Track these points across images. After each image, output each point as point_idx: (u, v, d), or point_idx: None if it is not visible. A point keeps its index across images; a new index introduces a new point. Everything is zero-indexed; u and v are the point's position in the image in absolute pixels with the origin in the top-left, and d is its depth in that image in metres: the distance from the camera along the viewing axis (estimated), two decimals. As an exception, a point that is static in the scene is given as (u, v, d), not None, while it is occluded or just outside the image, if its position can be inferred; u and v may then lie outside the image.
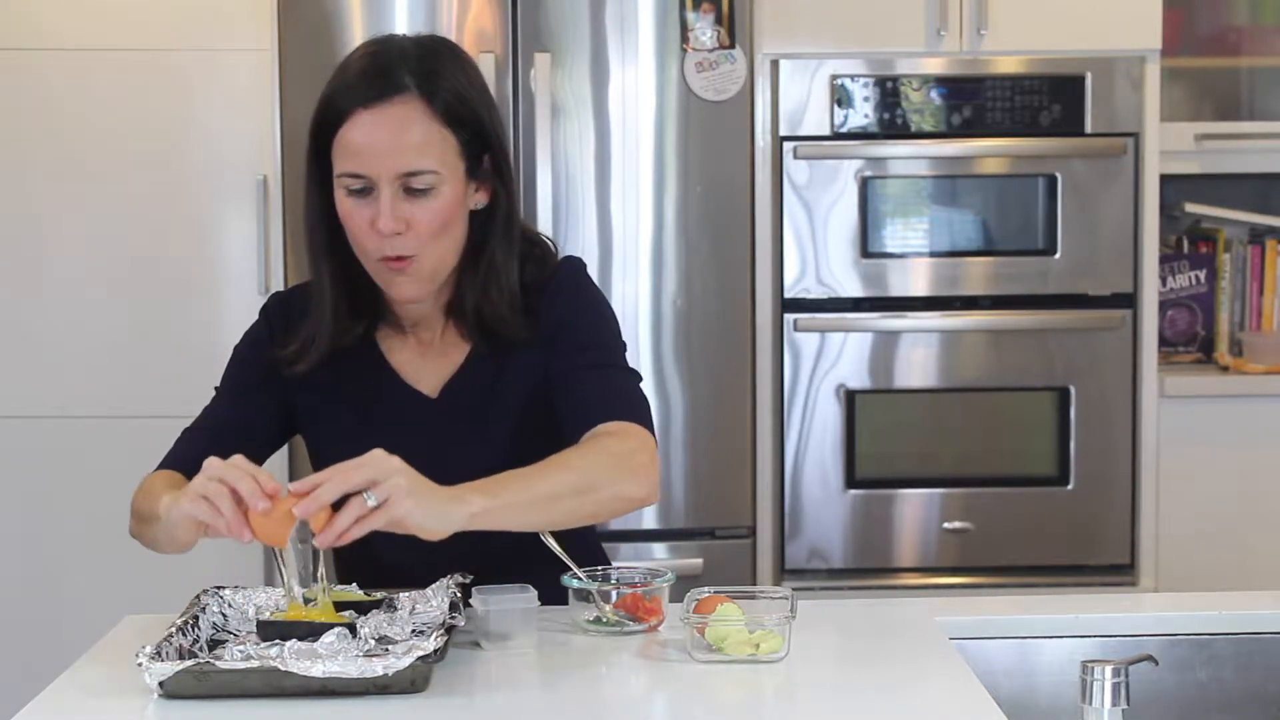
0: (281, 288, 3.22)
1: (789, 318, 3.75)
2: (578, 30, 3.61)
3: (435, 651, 1.74)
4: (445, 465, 1.86)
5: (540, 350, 2.09)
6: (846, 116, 3.74)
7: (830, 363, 3.76)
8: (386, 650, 1.79)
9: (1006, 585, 3.73)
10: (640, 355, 3.62)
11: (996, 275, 3.78)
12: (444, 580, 1.98)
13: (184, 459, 2.05)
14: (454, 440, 2.08)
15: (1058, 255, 3.77)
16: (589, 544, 2.21)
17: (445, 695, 1.76)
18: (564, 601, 2.02)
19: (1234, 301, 4.14)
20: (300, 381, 2.12)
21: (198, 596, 1.95)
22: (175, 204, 3.73)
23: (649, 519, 3.69)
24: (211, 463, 1.80)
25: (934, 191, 3.80)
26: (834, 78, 3.73)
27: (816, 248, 3.75)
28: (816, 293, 3.76)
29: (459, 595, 1.94)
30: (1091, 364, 3.78)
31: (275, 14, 3.58)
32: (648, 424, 2.03)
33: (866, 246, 3.76)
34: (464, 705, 1.75)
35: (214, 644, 1.88)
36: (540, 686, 1.84)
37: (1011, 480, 3.81)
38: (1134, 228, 3.78)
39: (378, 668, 1.70)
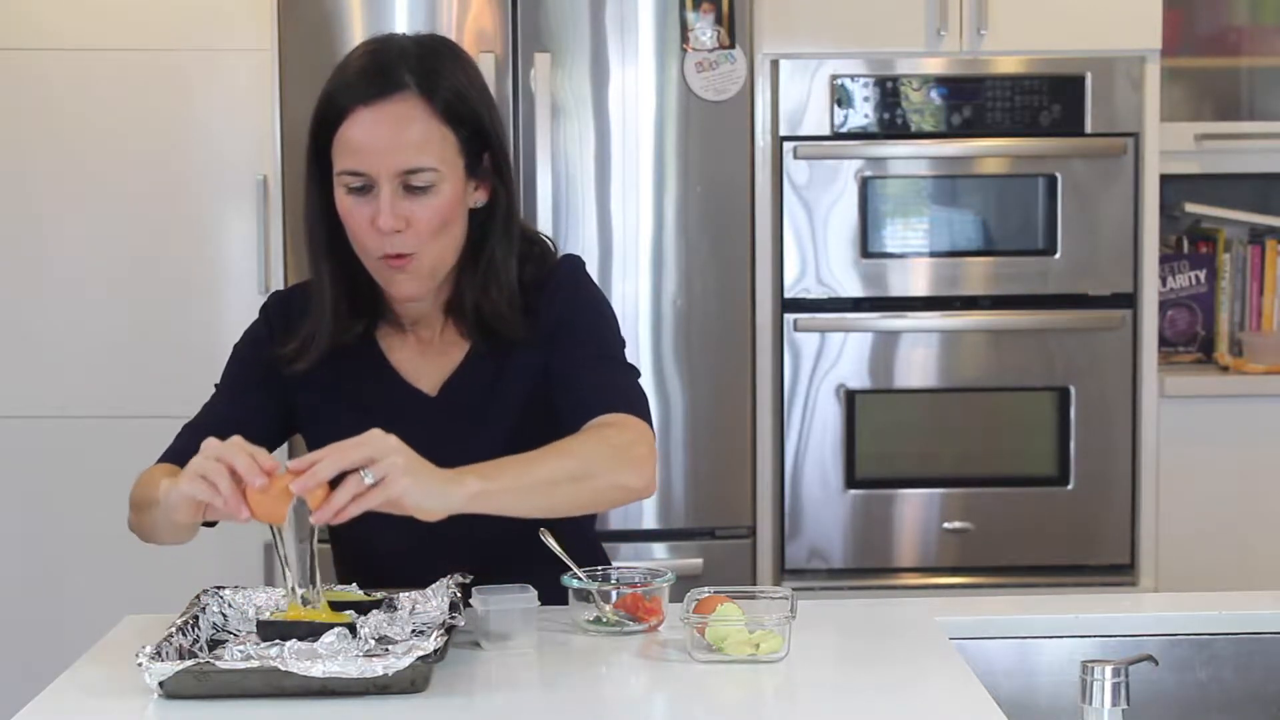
0: (281, 287, 3.22)
1: (789, 318, 3.75)
2: (578, 30, 3.61)
3: (435, 651, 1.74)
4: (444, 464, 1.86)
5: (540, 348, 2.09)
6: (846, 116, 3.75)
7: (830, 363, 3.76)
8: (386, 650, 1.79)
9: (1006, 585, 3.73)
10: (640, 355, 3.62)
11: (996, 275, 3.78)
12: (444, 580, 1.98)
13: (183, 454, 2.05)
14: (453, 438, 2.08)
15: (1058, 255, 3.77)
16: (589, 544, 2.21)
17: (445, 695, 1.76)
18: (564, 601, 2.02)
19: (1234, 301, 4.14)
20: (300, 380, 2.12)
21: (198, 596, 1.95)
22: (175, 204, 3.73)
23: (649, 519, 3.69)
24: (210, 443, 1.81)
25: (934, 191, 3.80)
26: (834, 78, 3.73)
27: (816, 248, 3.75)
28: (816, 293, 3.76)
29: (459, 595, 1.94)
30: (1091, 364, 3.78)
31: (275, 14, 3.58)
32: (646, 418, 2.03)
33: (866, 246, 3.76)
34: (464, 705, 1.75)
35: (214, 644, 1.88)
36: (540, 686, 1.84)
37: (1011, 480, 3.81)
38: (1134, 228, 3.78)
39: (378, 668, 1.70)
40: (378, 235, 2.00)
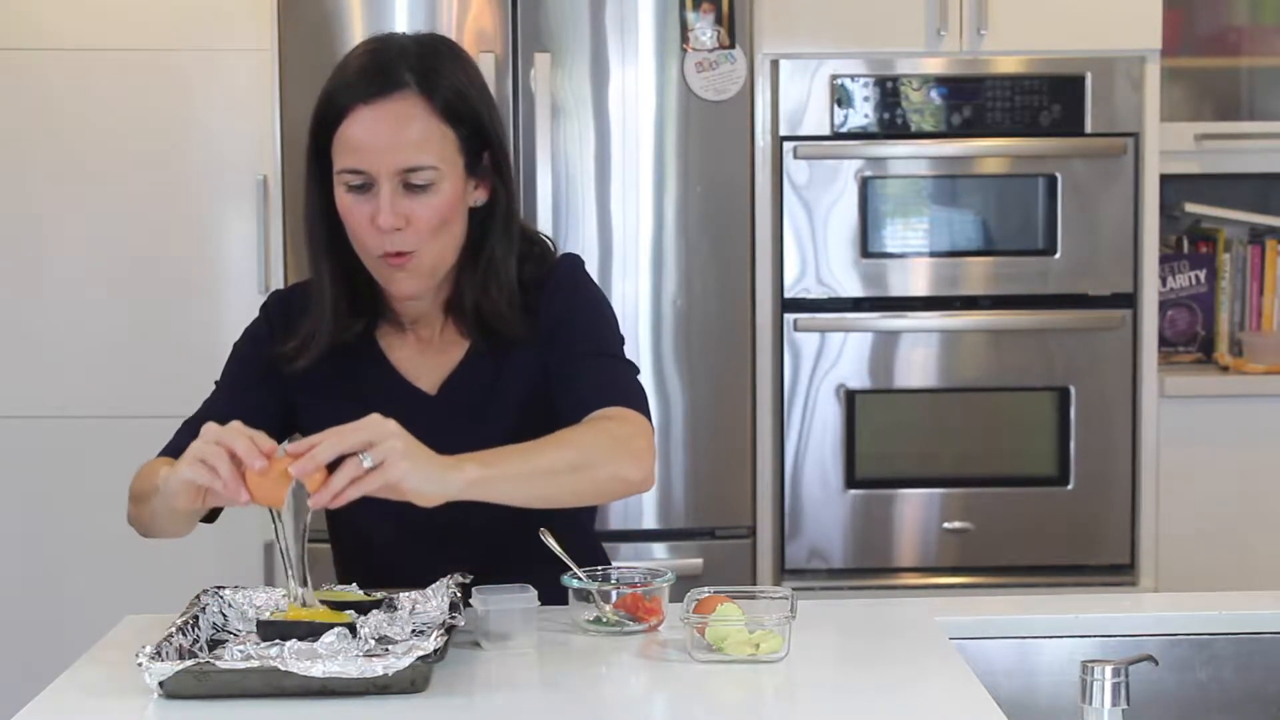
0: (281, 287, 3.22)
1: (789, 318, 3.75)
2: (578, 30, 3.61)
3: (435, 651, 1.74)
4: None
5: (539, 347, 2.09)
6: (846, 116, 3.75)
7: (830, 363, 3.76)
8: (386, 650, 1.79)
9: (1006, 585, 3.73)
10: (640, 355, 3.62)
11: (996, 275, 3.78)
12: (444, 580, 1.98)
13: (182, 449, 2.04)
14: (453, 437, 2.07)
15: (1058, 255, 3.77)
16: (589, 544, 2.21)
17: (445, 695, 1.76)
18: (564, 601, 2.02)
19: (1234, 301, 4.15)
20: (300, 378, 2.12)
21: (198, 596, 1.95)
22: (175, 204, 3.73)
23: (649, 519, 3.69)
24: (209, 427, 1.82)
25: (934, 191, 3.80)
26: (834, 78, 3.73)
27: (816, 248, 3.75)
28: (816, 293, 3.76)
29: (459, 595, 1.94)
30: (1091, 364, 3.78)
31: (275, 14, 3.58)
32: (646, 413, 2.03)
33: (866, 246, 3.76)
34: (464, 705, 1.75)
35: (214, 644, 1.88)
36: (540, 686, 1.84)
37: (1011, 480, 3.81)
38: (1134, 228, 3.78)
39: (378, 668, 1.70)
40: (377, 233, 2.00)
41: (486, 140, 2.06)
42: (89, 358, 3.74)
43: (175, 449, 2.08)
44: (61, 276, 3.74)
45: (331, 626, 1.80)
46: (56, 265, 3.74)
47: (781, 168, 3.73)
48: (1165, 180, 3.85)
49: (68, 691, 1.80)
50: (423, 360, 2.14)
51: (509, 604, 1.92)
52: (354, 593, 1.98)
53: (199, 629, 1.87)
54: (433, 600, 1.96)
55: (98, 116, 3.72)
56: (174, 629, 1.82)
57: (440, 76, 2.01)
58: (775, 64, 3.72)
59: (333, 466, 1.77)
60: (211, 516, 2.07)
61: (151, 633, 1.88)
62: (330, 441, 1.76)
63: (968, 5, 3.71)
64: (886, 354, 3.77)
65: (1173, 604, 2.17)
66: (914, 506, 3.79)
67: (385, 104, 1.99)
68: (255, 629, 1.89)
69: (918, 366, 3.78)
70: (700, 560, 3.65)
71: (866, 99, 3.75)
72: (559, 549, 2.04)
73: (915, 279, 3.78)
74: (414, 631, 1.91)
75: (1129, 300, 3.78)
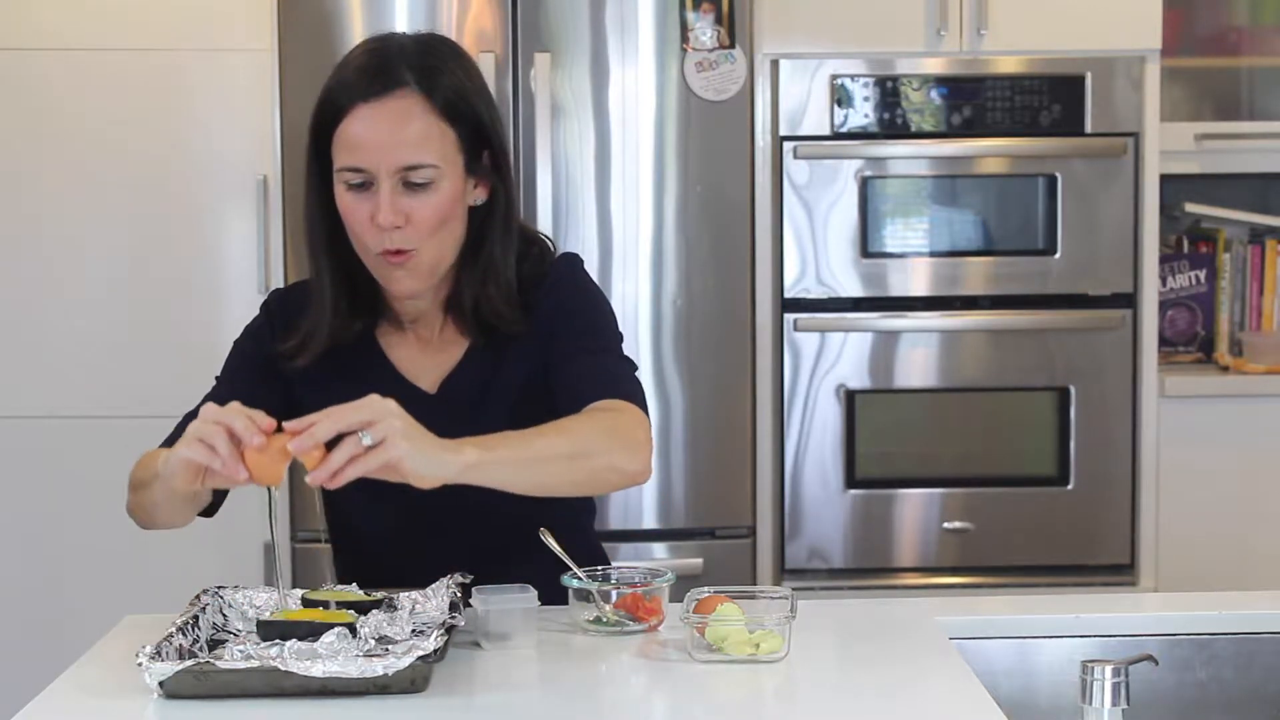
0: (282, 286, 3.22)
1: (789, 318, 3.75)
2: (578, 30, 3.61)
3: (435, 651, 1.74)
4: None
5: (538, 344, 2.10)
6: (846, 116, 3.75)
7: (830, 363, 3.76)
8: (386, 650, 1.79)
9: (1006, 585, 3.73)
10: (640, 355, 3.62)
11: (996, 275, 3.78)
12: (444, 580, 1.98)
13: None
14: (452, 436, 2.07)
15: (1058, 255, 3.77)
16: (589, 544, 2.21)
17: (445, 695, 1.76)
18: (564, 601, 2.02)
19: (1234, 301, 4.14)
20: (300, 376, 2.12)
21: (198, 596, 1.95)
22: (175, 204, 3.73)
23: (649, 519, 3.69)
24: (208, 408, 1.82)
25: (934, 191, 3.80)
26: (834, 78, 3.73)
27: (816, 248, 3.75)
28: (816, 293, 3.76)
29: (459, 595, 1.94)
30: (1091, 364, 3.78)
31: (275, 14, 3.58)
32: (643, 407, 2.04)
33: (866, 246, 3.76)
34: (464, 705, 1.75)
35: (214, 644, 1.88)
36: (540, 686, 1.84)
37: (1011, 480, 3.81)
38: (1134, 228, 3.78)
39: (378, 668, 1.70)
40: (377, 232, 2.00)
41: (486, 139, 2.07)
42: (89, 358, 3.74)
43: (175, 441, 2.08)
44: (61, 276, 3.74)
45: (331, 626, 1.80)
46: (56, 265, 3.74)
47: (781, 168, 3.73)
48: (1165, 180, 3.85)
49: (68, 691, 1.80)
50: (422, 359, 2.14)
51: (509, 604, 1.92)
52: (354, 593, 1.98)
53: (199, 629, 1.87)
54: (433, 600, 1.96)
55: (98, 116, 3.72)
56: (174, 629, 1.82)
57: (440, 75, 2.02)
58: (775, 64, 3.72)
59: (332, 447, 1.76)
60: (210, 511, 2.08)
61: (151, 633, 1.88)
62: (329, 419, 1.76)
63: (968, 5, 3.71)
64: (886, 354, 3.77)
65: (1173, 604, 2.18)
66: (914, 506, 3.79)
67: (385, 102, 1.99)
68: (255, 629, 1.89)
69: (918, 366, 3.78)
70: (700, 560, 3.65)
71: (866, 99, 3.75)
72: (559, 549, 2.04)
73: (915, 279, 3.78)
74: (414, 631, 1.91)
75: (1129, 300, 3.79)
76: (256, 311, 2.22)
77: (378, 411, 1.77)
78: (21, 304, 3.74)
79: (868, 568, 3.79)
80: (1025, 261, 3.78)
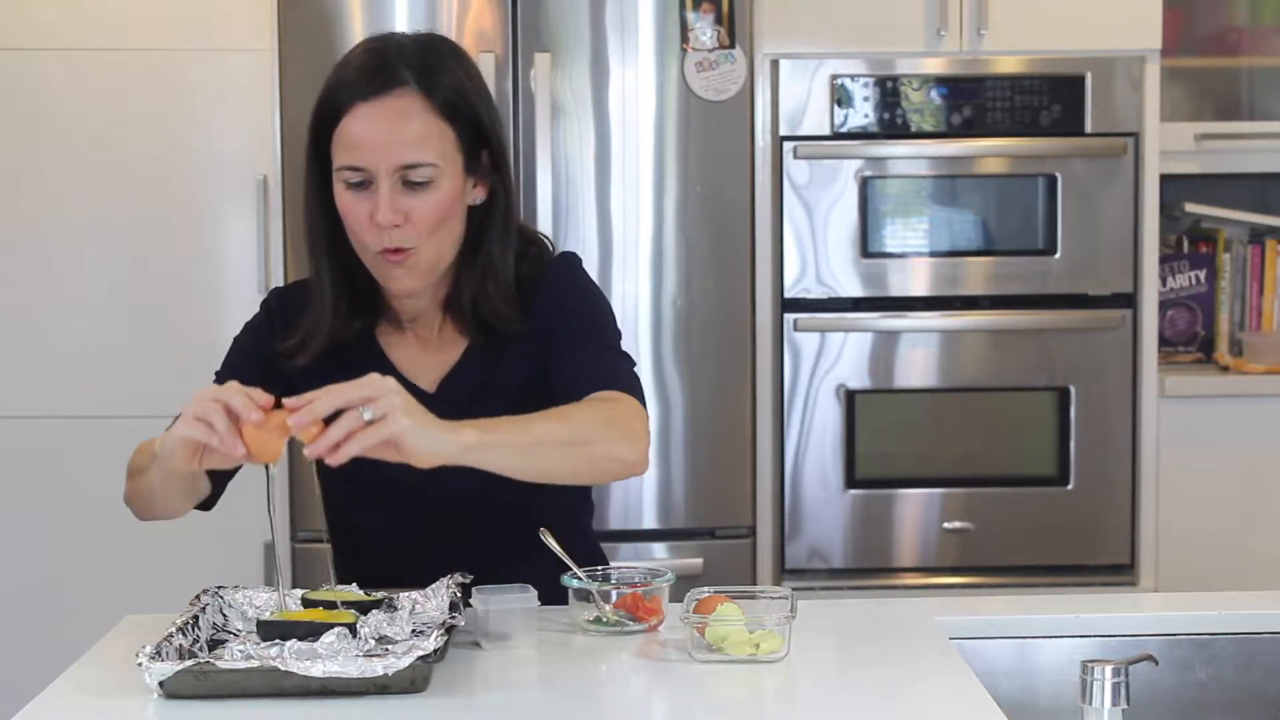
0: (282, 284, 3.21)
1: (789, 318, 3.75)
2: (578, 30, 3.61)
3: (435, 651, 1.74)
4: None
5: (537, 343, 2.10)
6: (846, 116, 3.75)
7: (830, 363, 3.76)
8: (386, 650, 1.79)
9: (1006, 585, 3.73)
10: (640, 355, 3.62)
11: (996, 275, 3.78)
12: (444, 580, 1.98)
13: None
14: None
15: (1058, 255, 3.77)
16: (588, 544, 2.21)
17: (445, 695, 1.75)
18: (564, 601, 2.02)
19: (1234, 301, 4.14)
20: (299, 375, 2.12)
21: (198, 596, 1.95)
22: (175, 204, 3.73)
23: (649, 519, 3.69)
24: (206, 388, 1.82)
25: (934, 191, 3.80)
26: (834, 78, 3.73)
27: (816, 248, 3.75)
28: (816, 293, 3.76)
29: (459, 595, 1.94)
30: (1091, 364, 3.78)
31: (275, 14, 3.58)
32: (641, 400, 2.04)
33: (866, 246, 3.76)
34: (464, 705, 1.75)
35: (214, 644, 1.88)
36: (540, 686, 1.84)
37: (1011, 480, 3.81)
38: (1134, 228, 3.78)
39: (378, 668, 1.70)
40: (376, 230, 2.01)
41: (485, 139, 2.07)
42: (88, 358, 3.74)
43: None
44: (61, 276, 3.74)
45: (331, 626, 1.80)
46: (56, 265, 3.74)
47: (781, 168, 3.73)
48: (1165, 180, 3.85)
49: (68, 691, 1.80)
50: (422, 358, 2.14)
51: (509, 604, 1.92)
52: (354, 593, 1.98)
53: (199, 629, 1.87)
54: (433, 600, 1.96)
55: (98, 116, 3.71)
56: (174, 629, 1.82)
57: (439, 75, 2.02)
58: (775, 64, 3.72)
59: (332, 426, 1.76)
60: (207, 504, 2.08)
61: (151, 633, 1.88)
62: (329, 395, 1.76)
63: (968, 5, 3.71)
64: (886, 354, 3.77)
65: (1173, 604, 2.18)
66: (914, 506, 3.79)
67: (384, 101, 1.99)
68: (255, 629, 1.89)
69: (918, 366, 3.78)
70: (700, 560, 3.65)
71: (866, 99, 3.75)
72: (559, 549, 2.04)
73: (915, 279, 3.78)
74: (414, 631, 1.90)
75: (1129, 300, 3.78)
76: (256, 310, 2.22)
77: (378, 388, 1.77)
78: (21, 304, 3.74)
79: (868, 568, 3.79)
80: (1025, 261, 3.78)
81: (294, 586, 2.05)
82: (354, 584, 2.01)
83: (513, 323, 2.10)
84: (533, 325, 2.10)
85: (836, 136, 3.75)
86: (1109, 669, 1.69)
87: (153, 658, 1.72)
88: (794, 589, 2.00)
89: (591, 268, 2.26)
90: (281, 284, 3.61)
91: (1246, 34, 4.24)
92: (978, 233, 3.81)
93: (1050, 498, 3.80)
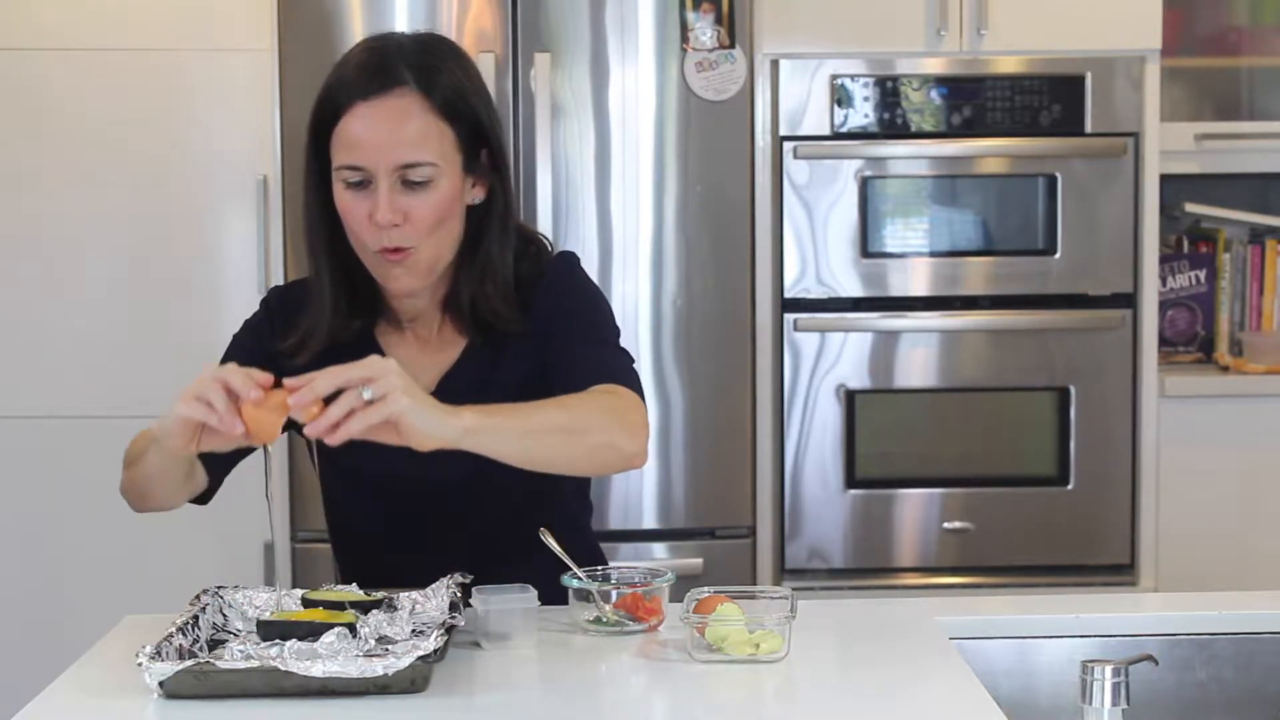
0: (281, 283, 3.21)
1: (789, 318, 3.75)
2: (578, 30, 3.61)
3: (435, 651, 1.74)
4: (443, 459, 1.86)
5: (536, 343, 2.10)
6: (846, 116, 3.74)
7: (830, 363, 3.76)
8: (386, 650, 1.79)
9: (1006, 585, 3.73)
10: (640, 355, 3.62)
11: (996, 275, 3.78)
12: (444, 580, 1.98)
13: None
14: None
15: (1058, 255, 3.77)
16: (587, 544, 2.21)
17: (445, 695, 1.75)
18: (564, 601, 2.02)
19: (1234, 301, 4.15)
20: (298, 374, 2.12)
21: (198, 596, 1.95)
22: (175, 204, 3.73)
23: (649, 519, 3.69)
24: (205, 368, 1.81)
25: (934, 191, 3.80)
26: (834, 78, 3.73)
27: (816, 248, 3.75)
28: (816, 293, 3.76)
29: (459, 595, 1.94)
30: (1091, 364, 3.78)
31: (275, 14, 3.58)
32: (641, 394, 2.04)
33: (866, 246, 3.76)
34: (464, 705, 1.75)
35: (214, 644, 1.88)
36: (540, 686, 1.84)
37: (1011, 480, 3.81)
38: (1134, 228, 3.78)
39: (378, 668, 1.70)
40: (375, 230, 2.01)
41: (484, 138, 2.07)
42: (89, 358, 3.74)
43: None
44: (61, 276, 3.74)
45: (331, 626, 1.80)
46: (56, 265, 3.74)
47: (781, 168, 3.73)
48: (1165, 180, 3.85)
49: (68, 691, 1.80)
50: (421, 358, 2.14)
51: (509, 604, 1.92)
52: (354, 593, 1.98)
53: (199, 629, 1.87)
54: (433, 600, 1.96)
55: (98, 116, 3.71)
56: (174, 629, 1.82)
57: (439, 74, 2.02)
58: (775, 64, 3.72)
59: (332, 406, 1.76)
60: (204, 498, 2.08)
61: (151, 633, 1.88)
62: (330, 374, 1.76)
63: (968, 5, 3.71)
64: (886, 354, 3.77)
65: (1173, 604, 2.18)
66: (914, 506, 3.79)
67: (384, 101, 1.99)
68: (255, 629, 1.89)
69: (918, 366, 3.78)
70: (700, 560, 3.65)
71: (866, 99, 3.75)
72: (559, 549, 2.04)
73: (915, 279, 3.78)
74: (414, 631, 1.90)
75: (1129, 300, 3.78)
76: (256, 309, 2.22)
77: (378, 369, 1.77)
78: (21, 304, 3.74)
79: (868, 568, 3.79)
80: (1025, 261, 3.78)
81: (294, 586, 2.05)
82: (354, 584, 2.01)
83: (511, 322, 2.10)
84: (531, 325, 2.11)
85: (836, 136, 3.75)
86: (1109, 669, 1.69)
87: (153, 658, 1.72)
88: (794, 589, 2.00)
89: (591, 268, 2.26)
90: (281, 283, 3.61)
91: (1246, 34, 4.24)
92: (978, 233, 3.81)
93: (1050, 498, 3.80)
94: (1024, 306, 3.78)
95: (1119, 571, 3.81)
